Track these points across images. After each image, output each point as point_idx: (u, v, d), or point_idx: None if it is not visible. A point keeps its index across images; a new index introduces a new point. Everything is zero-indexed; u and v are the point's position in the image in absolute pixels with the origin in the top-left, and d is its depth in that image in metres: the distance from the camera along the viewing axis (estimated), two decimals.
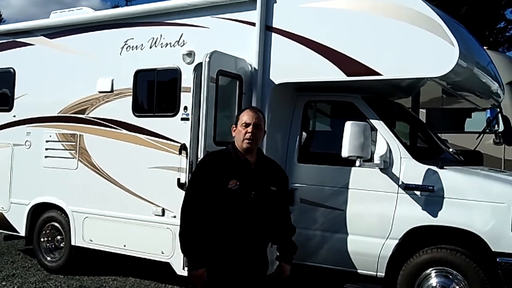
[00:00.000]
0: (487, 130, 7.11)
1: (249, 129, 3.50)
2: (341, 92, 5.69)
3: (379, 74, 5.08)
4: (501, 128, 7.58)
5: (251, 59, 5.64)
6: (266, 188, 3.58)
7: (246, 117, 3.55)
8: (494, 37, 24.16)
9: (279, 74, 5.57)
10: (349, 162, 5.28)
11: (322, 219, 5.54)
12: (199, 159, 6.02)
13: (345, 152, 5.02)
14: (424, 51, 4.92)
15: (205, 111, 5.11)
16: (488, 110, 7.44)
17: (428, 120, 8.19)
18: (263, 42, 5.61)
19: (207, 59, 5.13)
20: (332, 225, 5.46)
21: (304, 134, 5.85)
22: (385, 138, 5.23)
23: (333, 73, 5.28)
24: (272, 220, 3.67)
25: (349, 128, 4.99)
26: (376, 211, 5.21)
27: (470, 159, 6.19)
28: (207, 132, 5.13)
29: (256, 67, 5.59)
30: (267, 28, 5.63)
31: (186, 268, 5.83)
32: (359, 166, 5.08)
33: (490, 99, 6.52)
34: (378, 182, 5.21)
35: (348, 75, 5.23)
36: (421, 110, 8.00)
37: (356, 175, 5.34)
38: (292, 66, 5.54)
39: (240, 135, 3.54)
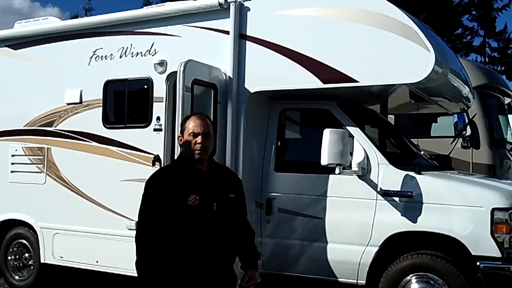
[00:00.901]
0: (455, 134, 7.24)
1: (199, 139, 3.21)
2: (317, 100, 5.66)
3: (355, 81, 5.07)
4: (469, 132, 7.76)
5: (226, 67, 5.56)
6: (226, 197, 3.30)
7: (193, 125, 3.25)
8: (452, 43, 24.81)
9: (254, 83, 5.51)
10: (327, 170, 5.23)
11: (301, 228, 5.49)
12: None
13: (324, 160, 4.98)
14: (401, 58, 4.94)
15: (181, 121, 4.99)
16: (455, 115, 7.59)
17: (397, 126, 8.26)
18: (237, 51, 5.54)
19: (182, 68, 5.03)
20: (311, 234, 5.41)
21: (279, 143, 5.80)
22: (362, 145, 5.22)
23: (309, 81, 5.25)
24: (236, 229, 3.38)
25: (328, 135, 4.96)
26: (355, 219, 5.18)
27: (440, 163, 6.24)
28: None
29: (231, 76, 5.52)
30: (241, 36, 5.57)
31: None
32: (339, 173, 5.05)
33: (460, 103, 6.61)
34: (357, 189, 5.19)
35: (324, 83, 5.20)
36: (389, 116, 8.08)
37: (334, 182, 5.30)
38: (268, 74, 5.49)
39: (189, 146, 3.24)
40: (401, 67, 4.97)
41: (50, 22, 6.87)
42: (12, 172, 6.82)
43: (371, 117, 6.41)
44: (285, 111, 5.84)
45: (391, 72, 5.01)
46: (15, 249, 6.98)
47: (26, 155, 6.73)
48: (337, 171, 5.05)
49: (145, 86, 5.97)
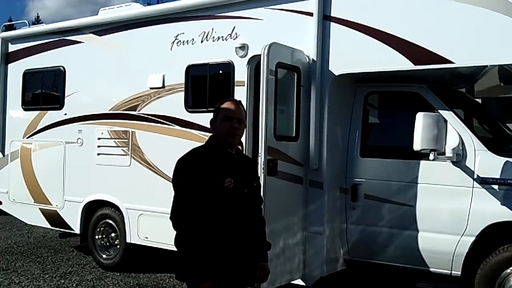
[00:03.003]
0: None
1: (233, 123, 3.15)
2: (405, 82, 5.42)
3: (450, 62, 4.77)
4: None
5: (309, 50, 5.40)
6: (252, 183, 3.33)
7: (228, 110, 3.19)
8: None
9: (339, 65, 5.33)
10: (417, 156, 5.03)
11: (389, 216, 5.32)
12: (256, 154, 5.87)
13: (417, 145, 4.76)
14: (501, 36, 4.58)
15: (265, 105, 4.91)
16: None
17: None
18: (321, 32, 5.36)
19: (266, 51, 4.92)
20: (400, 221, 5.24)
21: (364, 127, 5.59)
22: (456, 130, 4.96)
23: (398, 62, 5.01)
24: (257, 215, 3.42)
25: (421, 119, 4.73)
26: (449, 207, 4.96)
27: None
28: (267, 126, 4.92)
29: (315, 59, 5.36)
30: (325, 18, 5.38)
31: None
32: (433, 159, 4.80)
33: None
34: (451, 176, 4.95)
35: (415, 64, 4.94)
36: (476, 99, 7.64)
37: (426, 169, 5.08)
38: (353, 56, 5.28)
39: (223, 129, 3.17)
40: (501, 46, 4.61)
41: (133, 8, 6.95)
42: (98, 154, 7.03)
43: (463, 100, 6.06)
44: (371, 94, 5.63)
45: (490, 52, 4.66)
46: (102, 229, 7.23)
47: (111, 138, 6.90)
48: (431, 157, 4.82)
49: (226, 70, 5.92)
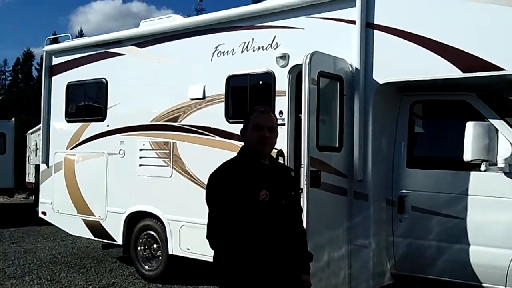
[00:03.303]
0: None
1: (265, 132, 3.03)
2: (452, 91, 5.23)
3: (501, 69, 4.57)
4: None
5: (352, 59, 5.29)
6: (289, 192, 3.18)
7: (259, 119, 3.07)
8: None
9: (383, 74, 5.19)
10: (467, 166, 4.86)
11: (438, 228, 5.14)
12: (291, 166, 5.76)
13: (467, 155, 4.58)
14: None
15: (307, 115, 4.81)
16: None
17: None
18: (364, 40, 5.24)
19: (308, 60, 4.83)
20: (450, 234, 5.06)
21: (411, 137, 5.42)
22: (508, 139, 4.75)
23: (446, 70, 4.84)
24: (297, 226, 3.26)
25: (472, 129, 4.56)
26: (503, 220, 4.76)
27: None
28: (310, 136, 4.82)
29: (358, 67, 5.23)
30: (368, 25, 5.26)
31: None
32: (485, 170, 4.61)
33: None
34: (504, 188, 4.75)
35: (463, 71, 4.76)
36: None
37: (477, 180, 4.88)
38: (398, 64, 5.14)
39: (253, 138, 3.04)
40: None
41: (174, 20, 6.99)
42: (140, 165, 7.06)
43: None
44: (416, 103, 5.46)
45: None
46: (144, 240, 7.24)
47: (153, 149, 6.92)
48: (482, 167, 4.64)
49: (267, 81, 5.86)
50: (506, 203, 4.72)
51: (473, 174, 4.88)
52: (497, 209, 4.77)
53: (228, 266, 2.96)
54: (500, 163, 4.66)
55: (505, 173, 4.70)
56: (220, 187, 2.99)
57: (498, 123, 4.80)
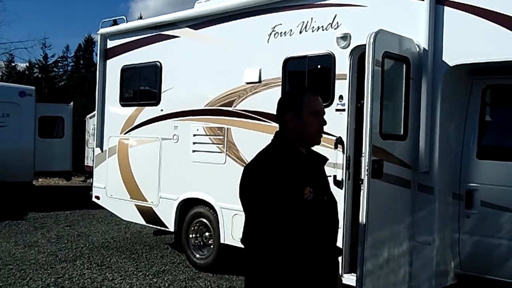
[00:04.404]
0: None
1: (323, 120, 2.63)
2: None
3: None
4: None
5: (419, 38, 4.87)
6: (328, 187, 2.75)
7: (316, 104, 2.62)
8: None
9: (454, 55, 4.75)
10: None
11: (509, 226, 4.69)
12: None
13: None
14: None
15: (370, 100, 4.45)
16: None
17: None
18: (433, 18, 4.81)
19: (372, 40, 4.46)
20: None
21: (483, 125, 4.97)
22: None
23: None
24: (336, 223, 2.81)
25: None
26: None
27: None
28: (372, 123, 4.46)
29: (426, 48, 4.82)
30: (438, 1, 4.83)
31: (345, 275, 5.31)
32: None
33: None
34: None
35: None
36: None
37: None
38: (471, 44, 4.69)
39: (312, 127, 2.59)
40: None
41: (229, 0, 6.73)
42: (193, 151, 6.88)
43: None
44: (489, 87, 4.98)
45: None
46: (196, 227, 7.08)
47: (207, 135, 6.72)
48: None
49: (327, 63, 5.52)
50: None
51: None
52: None
53: (276, 273, 2.54)
54: None
55: None
56: (261, 185, 2.54)
57: None
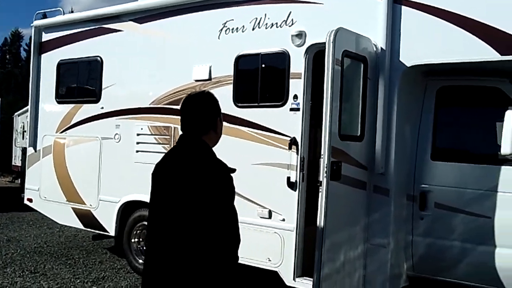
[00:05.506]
0: None
1: None
2: (484, 76, 4.78)
3: None
4: None
5: (376, 38, 4.81)
6: None
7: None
8: None
9: (411, 55, 4.72)
10: (499, 160, 4.46)
11: (462, 228, 4.73)
12: (307, 162, 5.31)
13: (506, 149, 4.16)
14: None
15: (330, 99, 4.32)
16: None
17: None
18: (391, 18, 4.77)
19: (332, 38, 4.34)
20: (475, 235, 4.66)
21: (437, 126, 4.97)
22: None
23: (482, 52, 4.39)
24: None
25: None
26: None
27: None
28: (332, 124, 4.34)
29: (383, 47, 4.76)
30: (395, 1, 4.79)
31: (297, 279, 5.18)
32: None
33: None
34: None
35: (502, 54, 4.30)
36: None
37: (508, 175, 4.48)
38: (428, 45, 4.67)
39: (221, 132, 2.85)
40: None
41: None
42: (137, 151, 6.53)
43: None
44: (443, 89, 4.99)
45: None
46: (138, 231, 6.72)
47: (152, 135, 6.39)
48: None
49: (281, 61, 5.36)
50: None
51: (505, 169, 4.48)
52: None
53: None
54: None
55: None
56: (232, 191, 2.65)
57: None
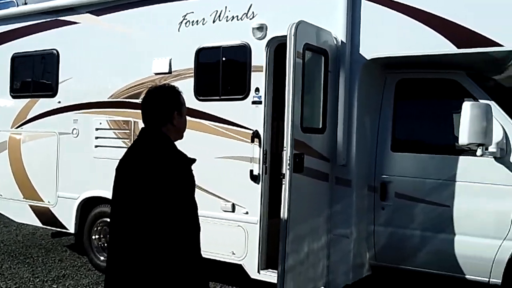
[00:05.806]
0: None
1: None
2: (441, 69, 4.91)
3: (499, 45, 4.25)
4: None
5: (337, 31, 4.85)
6: None
7: (184, 102, 2.86)
8: None
9: (370, 48, 4.79)
10: (457, 151, 4.61)
11: (422, 217, 4.84)
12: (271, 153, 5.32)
13: (463, 139, 4.25)
14: None
15: (292, 92, 4.34)
16: None
17: None
18: (351, 11, 4.82)
19: (293, 30, 4.35)
20: (434, 223, 4.78)
21: (396, 118, 5.07)
22: (499, 122, 4.46)
23: (439, 45, 4.50)
24: None
25: (469, 110, 4.21)
26: (491, 208, 4.51)
27: None
28: (294, 117, 4.36)
29: (344, 40, 4.80)
30: None
31: (261, 272, 5.20)
32: (481, 155, 4.31)
33: None
34: (494, 174, 4.48)
35: (458, 47, 4.41)
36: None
37: (465, 165, 4.61)
38: (388, 38, 4.75)
39: (185, 125, 2.85)
40: None
41: None
42: (96, 146, 6.41)
43: (498, 89, 5.54)
44: (402, 81, 5.09)
45: None
46: (99, 228, 6.61)
47: (111, 129, 6.28)
48: (479, 152, 4.33)
49: (242, 54, 5.34)
50: (495, 190, 4.48)
51: (462, 158, 4.61)
52: (485, 197, 4.52)
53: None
54: (492, 148, 4.38)
55: (495, 158, 4.44)
56: (191, 178, 2.64)
57: (489, 104, 4.48)
